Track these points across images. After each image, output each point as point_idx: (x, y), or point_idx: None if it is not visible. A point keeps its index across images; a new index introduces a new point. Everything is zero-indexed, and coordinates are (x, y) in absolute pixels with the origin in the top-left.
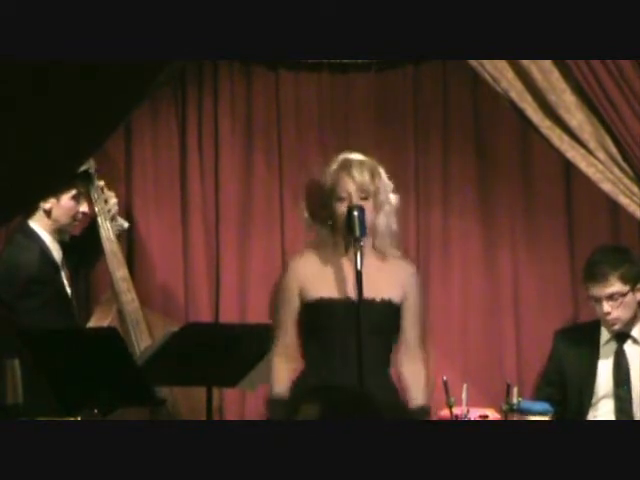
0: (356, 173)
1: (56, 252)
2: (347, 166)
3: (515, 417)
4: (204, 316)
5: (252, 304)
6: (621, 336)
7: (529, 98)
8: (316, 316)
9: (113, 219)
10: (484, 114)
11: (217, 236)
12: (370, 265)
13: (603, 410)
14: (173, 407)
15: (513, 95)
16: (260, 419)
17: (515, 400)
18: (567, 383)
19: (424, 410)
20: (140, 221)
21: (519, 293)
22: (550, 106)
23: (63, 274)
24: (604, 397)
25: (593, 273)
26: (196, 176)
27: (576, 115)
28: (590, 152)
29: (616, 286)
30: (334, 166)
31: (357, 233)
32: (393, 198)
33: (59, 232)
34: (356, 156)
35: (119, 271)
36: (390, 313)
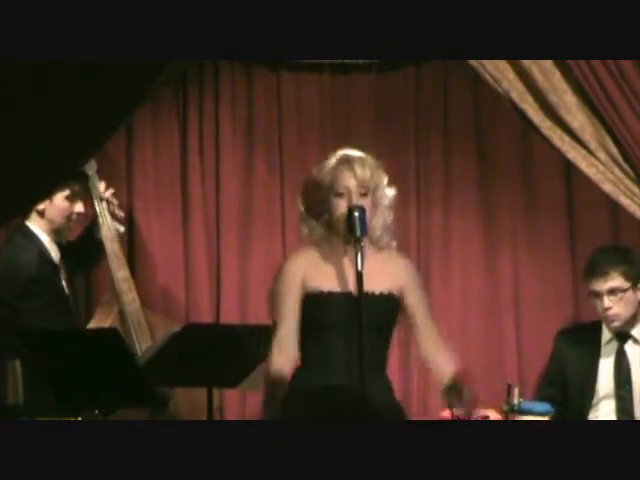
0: (357, 169)
1: (54, 253)
2: (348, 161)
3: (516, 417)
4: (205, 317)
5: (253, 305)
6: (622, 336)
7: (530, 99)
8: (315, 311)
9: (114, 220)
10: (485, 115)
11: (218, 237)
12: (367, 259)
13: (604, 410)
14: (174, 407)
15: (514, 96)
16: (260, 419)
17: (516, 400)
18: (568, 383)
19: (458, 387)
20: (141, 222)
21: (520, 294)
22: (551, 107)
23: (62, 275)
24: (605, 397)
25: (594, 268)
26: (197, 177)
27: (577, 116)
28: (591, 153)
29: (617, 281)
30: (333, 161)
31: (358, 233)
32: (389, 192)
33: (56, 233)
34: (355, 152)
35: (120, 272)
36: (388, 306)
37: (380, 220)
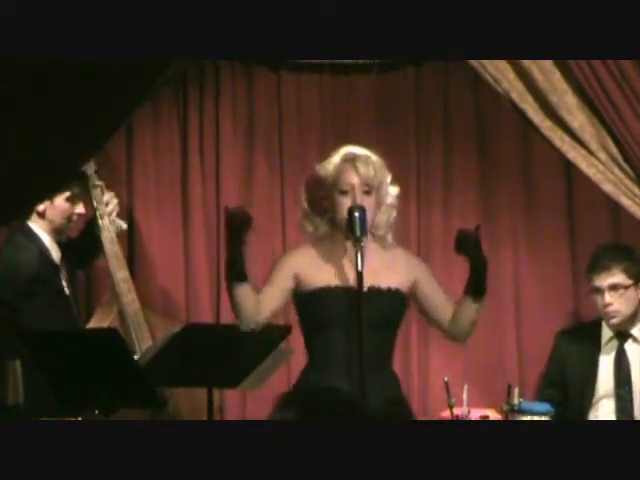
0: (361, 167)
1: (55, 252)
2: (352, 159)
3: (516, 418)
4: (205, 317)
5: None
6: (622, 335)
7: (530, 99)
8: (317, 308)
9: (113, 220)
10: (485, 115)
11: (218, 237)
12: (373, 256)
13: (604, 410)
14: (174, 407)
15: (514, 96)
16: (261, 419)
17: (516, 401)
18: (568, 383)
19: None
20: (141, 222)
21: (520, 293)
22: (551, 107)
23: (62, 275)
24: (605, 397)
25: (597, 263)
26: (197, 177)
27: (577, 116)
28: (591, 153)
29: (619, 277)
30: (337, 159)
31: (358, 233)
32: (393, 190)
33: (57, 232)
34: (360, 150)
35: (120, 272)
36: (395, 302)
37: (384, 218)
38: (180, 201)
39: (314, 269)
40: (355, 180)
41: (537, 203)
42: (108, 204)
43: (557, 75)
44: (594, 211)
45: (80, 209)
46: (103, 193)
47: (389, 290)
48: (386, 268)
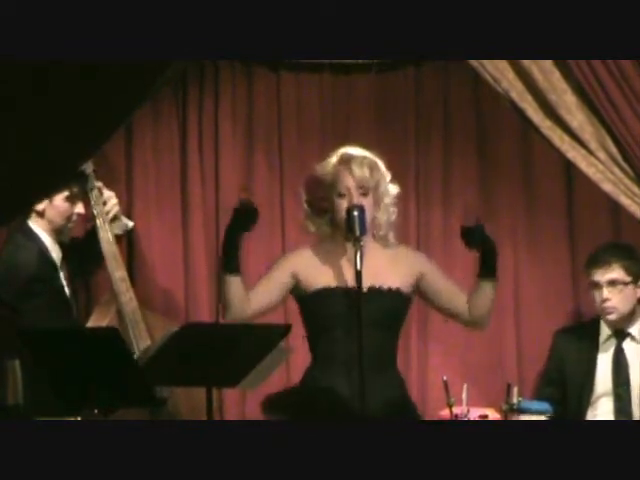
0: (356, 169)
1: (55, 252)
2: (347, 161)
3: (515, 417)
4: (204, 316)
5: None
6: (620, 334)
7: (530, 98)
8: (319, 309)
9: (115, 219)
10: (485, 115)
11: (217, 237)
12: (374, 255)
13: (602, 409)
14: (173, 407)
15: (514, 95)
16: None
17: (515, 400)
18: (567, 382)
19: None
20: (141, 223)
21: (520, 293)
22: (551, 106)
23: (62, 275)
24: (603, 396)
25: (597, 258)
26: (197, 178)
27: (577, 115)
28: (591, 152)
29: (618, 273)
30: (334, 160)
31: (357, 233)
32: (392, 189)
33: (57, 232)
34: (356, 151)
35: (118, 272)
36: (397, 302)
37: (384, 217)
38: (179, 201)
39: (314, 270)
40: (351, 183)
41: (537, 203)
42: (106, 204)
43: (556, 74)
44: (594, 211)
45: (80, 209)
46: (101, 193)
47: (389, 290)
48: (387, 268)
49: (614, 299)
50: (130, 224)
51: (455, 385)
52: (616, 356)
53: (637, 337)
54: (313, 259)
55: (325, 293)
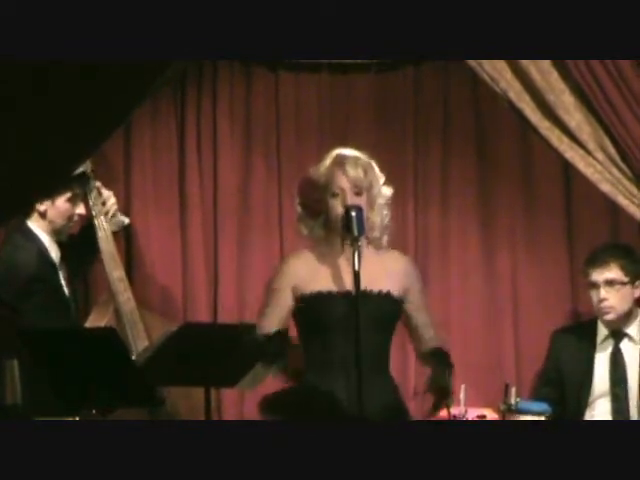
0: (350, 169)
1: (54, 252)
2: (340, 162)
3: (513, 417)
4: (203, 316)
5: (250, 305)
6: (617, 334)
7: (527, 98)
8: (316, 312)
9: (113, 217)
10: (484, 115)
11: (216, 237)
12: (366, 258)
13: (600, 409)
14: (172, 407)
15: (512, 95)
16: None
17: (513, 400)
18: (565, 382)
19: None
20: (139, 222)
21: (518, 294)
22: (549, 106)
23: (61, 274)
24: (601, 396)
25: (595, 258)
26: (195, 177)
27: (575, 116)
28: (589, 153)
29: (616, 272)
30: (327, 161)
31: (355, 233)
32: (386, 191)
33: (57, 232)
34: (349, 152)
35: (115, 272)
36: (389, 305)
37: (377, 219)
38: (178, 200)
39: (311, 274)
40: (345, 183)
41: (535, 203)
42: (105, 203)
43: (554, 75)
44: (593, 211)
45: (81, 209)
46: (100, 193)
47: (380, 293)
48: (379, 272)
49: (612, 299)
50: (126, 220)
51: (453, 385)
52: (614, 356)
53: (635, 337)
54: (309, 262)
55: (322, 296)
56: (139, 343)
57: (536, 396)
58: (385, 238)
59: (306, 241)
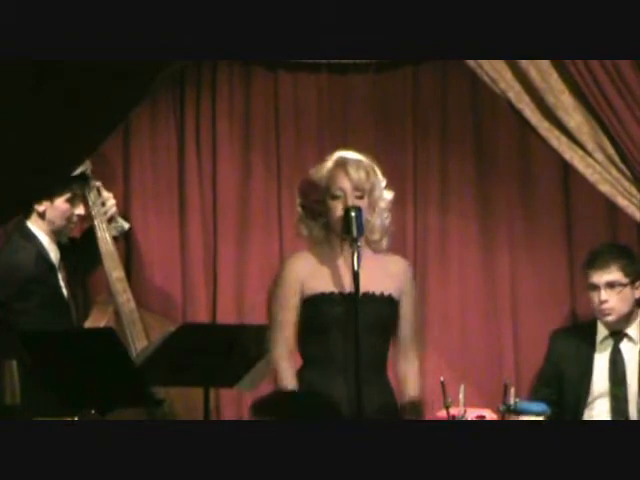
0: (352, 171)
1: (53, 253)
2: (343, 164)
3: (512, 417)
4: (202, 317)
5: (249, 305)
6: (617, 335)
7: (527, 99)
8: (315, 313)
9: (112, 220)
10: (483, 115)
11: (215, 237)
12: (366, 261)
13: (599, 409)
14: (170, 407)
15: (511, 96)
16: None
17: (512, 401)
18: (564, 383)
19: (416, 405)
20: (138, 222)
21: (517, 293)
22: (548, 107)
23: (60, 275)
24: (600, 396)
25: (595, 260)
26: (194, 177)
27: (574, 116)
28: (588, 153)
29: (616, 274)
30: (329, 163)
31: (355, 234)
32: (387, 194)
33: (56, 233)
34: (352, 154)
35: (115, 272)
36: (389, 307)
37: (378, 222)
38: (177, 200)
39: (311, 275)
40: (347, 185)
41: (534, 204)
42: (104, 204)
43: (554, 75)
44: (591, 211)
45: (80, 210)
46: (100, 193)
47: (382, 295)
48: (381, 274)
49: (612, 301)
50: (126, 226)
51: (452, 386)
52: (613, 356)
53: (634, 338)
54: (311, 263)
55: (322, 297)
56: (139, 343)
57: (535, 396)
58: (385, 241)
59: (306, 242)
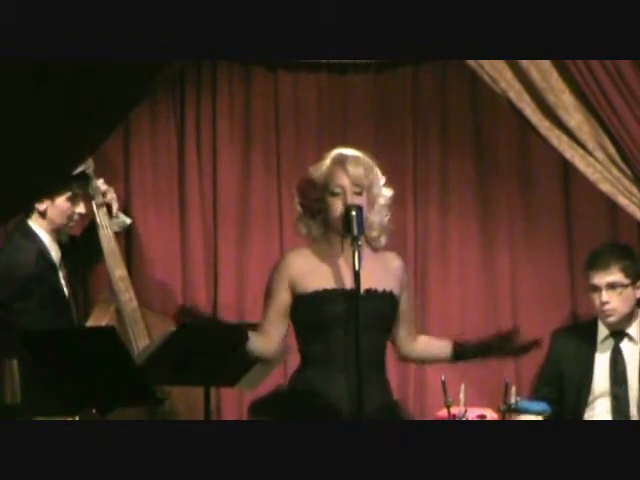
0: (350, 168)
1: (54, 252)
2: (341, 161)
3: (513, 417)
4: None
5: (250, 303)
6: (617, 334)
7: (528, 98)
8: (315, 310)
9: (113, 216)
10: (483, 115)
11: (215, 235)
12: (366, 258)
13: (599, 409)
14: (171, 407)
15: (512, 95)
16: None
17: (513, 400)
18: (564, 382)
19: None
20: (139, 221)
21: (517, 293)
22: (549, 106)
23: (61, 274)
24: (600, 396)
25: (596, 261)
26: (194, 176)
27: (575, 115)
28: (589, 152)
29: (617, 275)
30: (328, 161)
31: (355, 232)
32: (386, 191)
33: (57, 232)
34: (350, 151)
35: (117, 271)
36: (391, 304)
37: (377, 219)
38: (177, 199)
39: (310, 272)
40: (345, 182)
41: (535, 203)
42: (105, 201)
43: (554, 74)
44: (592, 211)
45: (81, 209)
46: (101, 192)
47: (384, 292)
48: (381, 271)
49: (613, 302)
50: (128, 221)
51: (453, 385)
52: (614, 356)
53: (635, 337)
54: (310, 260)
55: (322, 294)
56: (141, 342)
57: (536, 396)
58: (383, 239)
59: (305, 240)
